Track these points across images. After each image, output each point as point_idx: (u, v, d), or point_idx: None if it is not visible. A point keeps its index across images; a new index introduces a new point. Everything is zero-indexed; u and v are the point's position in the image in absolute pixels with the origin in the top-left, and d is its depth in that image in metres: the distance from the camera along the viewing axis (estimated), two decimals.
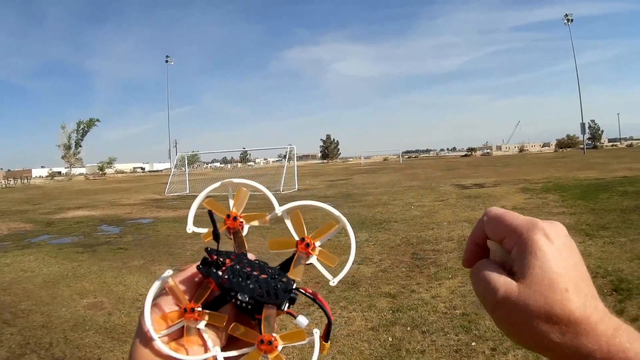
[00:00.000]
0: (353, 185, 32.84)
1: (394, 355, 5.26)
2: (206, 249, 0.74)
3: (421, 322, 6.10)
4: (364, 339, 5.71)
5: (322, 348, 0.74)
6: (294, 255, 0.75)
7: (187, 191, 34.72)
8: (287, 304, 0.72)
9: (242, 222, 0.79)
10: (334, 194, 26.64)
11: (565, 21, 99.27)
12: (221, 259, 0.73)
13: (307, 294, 0.75)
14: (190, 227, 0.80)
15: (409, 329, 5.91)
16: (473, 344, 5.41)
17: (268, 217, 0.80)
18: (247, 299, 0.70)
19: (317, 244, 0.76)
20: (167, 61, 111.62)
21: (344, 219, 0.76)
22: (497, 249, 0.71)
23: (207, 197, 0.82)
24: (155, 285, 0.74)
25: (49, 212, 24.20)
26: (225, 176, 45.14)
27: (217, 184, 0.84)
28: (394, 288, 7.48)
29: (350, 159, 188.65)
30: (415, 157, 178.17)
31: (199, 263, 0.74)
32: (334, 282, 0.75)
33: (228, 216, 0.78)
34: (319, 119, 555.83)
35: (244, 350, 0.72)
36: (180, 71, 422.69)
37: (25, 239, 15.20)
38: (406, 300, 6.92)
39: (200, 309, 0.71)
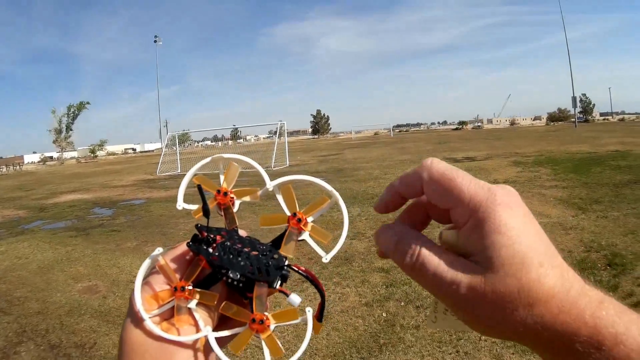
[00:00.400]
0: (344, 160, 32.89)
1: (389, 330, 5.31)
2: (196, 226, 0.74)
3: (415, 297, 6.15)
4: (357, 315, 5.76)
5: (315, 328, 0.73)
6: (285, 231, 0.74)
7: (179, 170, 34.73)
8: (279, 282, 0.71)
9: (232, 197, 0.78)
10: (326, 169, 26.71)
11: None
12: (212, 236, 0.72)
13: (299, 271, 0.74)
14: (181, 204, 0.80)
15: (402, 304, 5.96)
16: None
17: (259, 193, 0.79)
18: (238, 276, 0.69)
19: (310, 219, 0.75)
20: (155, 41, 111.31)
21: (337, 194, 0.75)
22: (453, 240, 0.60)
23: (196, 173, 0.81)
24: (145, 264, 0.73)
25: (42, 197, 24.13)
26: (216, 154, 44.89)
27: (207, 160, 0.83)
28: (387, 263, 7.42)
29: (341, 134, 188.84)
30: (406, 131, 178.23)
31: (189, 240, 0.73)
32: (326, 258, 0.73)
33: (218, 192, 0.78)
34: (309, 94, 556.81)
35: (236, 330, 0.72)
36: (168, 51, 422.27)
37: (19, 225, 15.16)
38: (399, 275, 6.91)
39: (191, 287, 0.70)
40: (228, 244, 0.72)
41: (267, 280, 0.69)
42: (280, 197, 0.77)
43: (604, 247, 7.48)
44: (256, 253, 0.72)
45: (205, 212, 0.75)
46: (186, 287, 0.69)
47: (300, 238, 0.74)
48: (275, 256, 0.72)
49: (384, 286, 6.56)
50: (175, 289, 0.69)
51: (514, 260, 0.51)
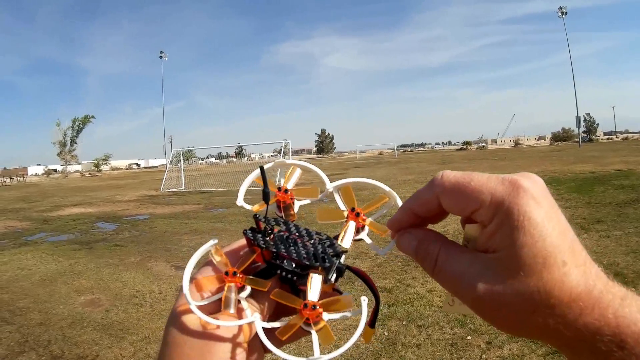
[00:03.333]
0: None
1: (390, 349, 5.29)
2: (254, 215, 0.74)
3: (417, 316, 6.14)
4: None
5: (366, 334, 0.71)
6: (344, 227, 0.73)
7: (183, 187, 34.68)
8: (334, 275, 0.70)
9: (292, 197, 0.78)
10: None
11: (560, 14, 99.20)
12: (269, 228, 0.73)
13: (354, 270, 0.73)
14: (240, 201, 0.81)
15: (404, 323, 5.94)
16: (468, 337, 5.43)
17: (319, 194, 0.79)
18: (292, 267, 0.69)
19: (368, 218, 0.74)
20: (161, 57, 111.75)
21: (395, 194, 0.75)
22: (476, 233, 0.57)
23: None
24: (199, 252, 0.72)
25: (46, 209, 24.15)
26: (221, 172, 45.31)
27: (270, 164, 0.81)
28: (389, 282, 7.51)
29: (346, 153, 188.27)
30: (410, 151, 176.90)
31: (246, 228, 0.73)
32: (383, 252, 0.72)
33: (279, 189, 0.77)
34: (313, 113, 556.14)
35: (287, 320, 0.70)
36: (172, 66, 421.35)
37: (22, 237, 15.17)
38: (402, 294, 6.95)
39: (242, 276, 0.70)
40: (284, 235, 0.72)
41: (323, 267, 0.69)
42: (338, 198, 0.77)
43: (606, 267, 7.34)
44: (313, 242, 0.72)
45: (265, 195, 0.76)
46: (238, 273, 0.70)
47: (358, 237, 0.73)
48: (334, 244, 0.71)
49: (386, 305, 6.54)
50: (227, 273, 0.70)
51: (536, 260, 0.50)
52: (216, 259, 0.72)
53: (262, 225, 0.73)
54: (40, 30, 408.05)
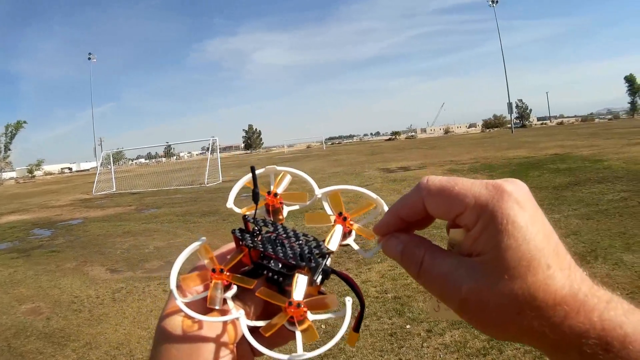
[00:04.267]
0: (276, 174, 32.27)
1: (329, 341, 5.29)
2: (243, 217, 0.74)
3: (354, 307, 6.13)
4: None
5: (351, 338, 0.71)
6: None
7: (114, 189, 34.36)
8: (320, 276, 0.71)
9: (282, 201, 0.78)
10: (259, 183, 26.33)
11: (490, 2, 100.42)
12: (257, 228, 0.73)
13: (339, 273, 0.74)
14: (230, 204, 0.81)
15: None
16: (407, 326, 5.51)
17: (308, 200, 0.79)
18: (279, 267, 0.70)
19: (355, 224, 0.75)
20: (89, 58, 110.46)
21: (382, 201, 0.75)
22: (460, 237, 0.58)
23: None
24: (187, 251, 0.73)
25: None
26: (150, 172, 44.73)
27: (262, 170, 0.81)
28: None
29: (274, 148, 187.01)
30: (338, 144, 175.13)
31: (234, 228, 0.74)
32: (370, 254, 0.73)
33: (269, 192, 0.78)
34: (241, 109, 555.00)
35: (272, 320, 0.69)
36: (102, 69, 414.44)
37: None
38: (336, 286, 6.97)
39: (229, 273, 0.70)
40: (272, 236, 0.73)
41: (309, 267, 0.70)
42: (326, 204, 0.78)
43: None
44: (300, 243, 0.72)
45: (255, 196, 0.77)
46: (225, 271, 0.70)
47: (345, 242, 0.74)
48: (320, 245, 0.72)
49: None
50: (214, 270, 0.70)
51: (520, 263, 0.50)
52: (204, 258, 0.73)
53: (251, 227, 0.74)
54: None
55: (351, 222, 0.75)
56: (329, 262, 0.74)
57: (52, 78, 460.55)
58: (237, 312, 0.68)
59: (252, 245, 0.71)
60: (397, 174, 22.73)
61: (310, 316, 0.69)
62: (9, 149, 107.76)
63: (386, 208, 0.72)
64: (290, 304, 0.67)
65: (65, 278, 9.36)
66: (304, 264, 0.69)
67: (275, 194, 0.78)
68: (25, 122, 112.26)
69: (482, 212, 0.53)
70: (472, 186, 0.55)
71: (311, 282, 0.70)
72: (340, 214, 0.75)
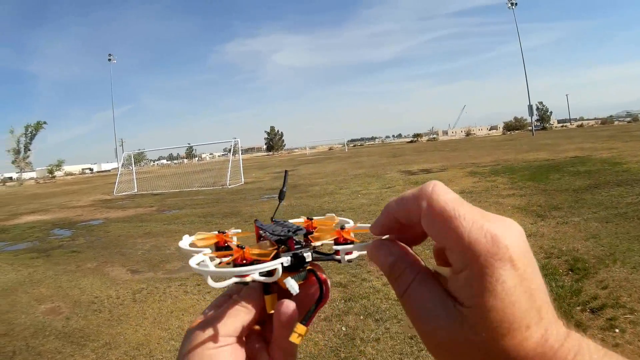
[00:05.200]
0: (299, 176, 32.65)
1: (349, 344, 5.32)
2: (255, 221, 0.81)
3: (374, 310, 6.17)
4: (317, 330, 5.75)
5: (296, 332, 0.67)
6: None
7: (135, 190, 34.45)
8: (291, 256, 0.70)
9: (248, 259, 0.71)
10: (281, 185, 26.16)
11: (509, 5, 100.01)
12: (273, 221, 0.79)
13: (319, 255, 0.74)
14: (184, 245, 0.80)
15: (362, 317, 5.96)
16: None
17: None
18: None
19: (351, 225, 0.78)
20: (109, 60, 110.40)
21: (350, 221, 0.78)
22: (445, 273, 0.56)
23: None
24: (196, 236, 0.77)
25: (2, 218, 23.77)
26: (172, 173, 44.89)
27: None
28: (344, 277, 7.52)
29: (296, 150, 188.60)
30: (360, 146, 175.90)
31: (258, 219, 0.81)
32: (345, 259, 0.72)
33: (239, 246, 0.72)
34: (262, 110, 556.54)
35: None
36: (122, 69, 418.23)
37: None
38: (357, 289, 6.98)
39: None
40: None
41: (287, 237, 0.72)
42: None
43: (564, 253, 7.50)
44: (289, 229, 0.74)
45: (281, 194, 0.85)
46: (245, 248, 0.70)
47: (351, 256, 0.73)
48: (301, 229, 0.75)
49: (343, 300, 6.57)
50: (238, 246, 0.70)
51: (502, 325, 0.49)
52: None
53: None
54: None
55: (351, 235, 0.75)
56: (308, 256, 0.72)
57: (70, 78, 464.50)
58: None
59: (262, 228, 0.78)
60: (419, 177, 22.60)
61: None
62: (29, 149, 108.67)
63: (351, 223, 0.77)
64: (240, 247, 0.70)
65: (86, 278, 9.36)
66: (289, 234, 0.72)
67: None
68: (45, 122, 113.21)
69: (473, 262, 0.50)
70: (472, 228, 0.51)
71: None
72: (342, 227, 0.76)
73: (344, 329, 5.67)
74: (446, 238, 0.53)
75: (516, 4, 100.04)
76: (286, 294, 0.69)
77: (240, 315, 0.70)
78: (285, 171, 0.85)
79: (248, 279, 0.67)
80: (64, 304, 7.88)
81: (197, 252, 0.73)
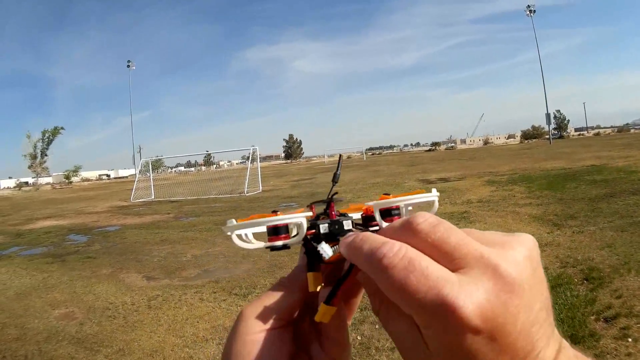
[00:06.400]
0: (317, 184, 32.78)
1: (364, 353, 5.28)
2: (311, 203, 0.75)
3: None
4: None
5: (319, 312, 0.61)
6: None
7: (153, 197, 34.48)
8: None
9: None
10: (299, 193, 26.64)
11: (528, 12, 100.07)
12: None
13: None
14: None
15: (377, 327, 5.88)
16: None
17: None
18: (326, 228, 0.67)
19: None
20: (128, 66, 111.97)
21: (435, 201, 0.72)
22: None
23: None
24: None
25: (18, 223, 23.96)
26: (190, 180, 45.12)
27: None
28: None
29: (314, 158, 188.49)
30: (379, 154, 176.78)
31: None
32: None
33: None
34: (281, 118, 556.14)
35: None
36: (140, 75, 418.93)
37: None
38: None
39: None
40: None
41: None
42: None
43: (580, 262, 7.47)
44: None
45: (335, 176, 0.78)
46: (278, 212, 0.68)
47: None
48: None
49: (358, 309, 6.42)
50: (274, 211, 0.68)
51: None
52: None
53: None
54: (7, 43, 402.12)
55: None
56: (348, 224, 0.69)
57: (88, 83, 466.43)
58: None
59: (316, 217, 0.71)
60: (437, 185, 22.41)
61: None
62: (46, 155, 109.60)
63: (437, 206, 0.71)
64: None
65: (101, 284, 9.36)
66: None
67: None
68: (62, 128, 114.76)
69: (433, 327, 0.46)
70: (427, 294, 0.45)
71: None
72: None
73: (359, 337, 5.63)
74: (409, 303, 0.47)
75: (534, 11, 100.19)
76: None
77: (283, 298, 0.65)
78: (340, 155, 0.84)
79: (279, 243, 0.66)
80: (78, 310, 7.88)
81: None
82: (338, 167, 0.77)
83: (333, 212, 0.71)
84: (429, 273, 0.46)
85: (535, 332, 0.47)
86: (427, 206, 0.71)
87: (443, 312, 0.44)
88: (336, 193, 0.73)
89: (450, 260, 0.49)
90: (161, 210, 24.54)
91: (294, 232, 0.68)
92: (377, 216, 0.67)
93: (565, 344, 0.51)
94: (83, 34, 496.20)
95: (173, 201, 29.98)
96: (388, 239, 0.52)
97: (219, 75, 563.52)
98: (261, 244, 0.67)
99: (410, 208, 0.73)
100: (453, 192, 18.62)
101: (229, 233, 0.66)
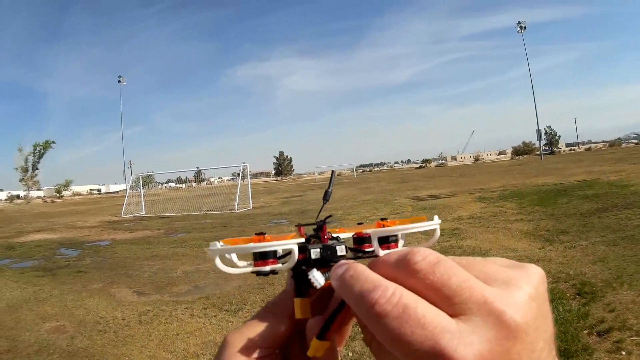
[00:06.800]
0: (307, 201, 32.85)
1: None
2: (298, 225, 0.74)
3: None
4: None
5: (312, 346, 0.59)
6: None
7: (143, 212, 34.53)
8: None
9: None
10: (289, 210, 26.66)
11: (519, 29, 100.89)
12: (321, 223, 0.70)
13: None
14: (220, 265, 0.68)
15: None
16: None
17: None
18: (317, 252, 0.64)
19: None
20: (119, 81, 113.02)
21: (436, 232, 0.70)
22: None
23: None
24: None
25: (9, 235, 23.88)
26: (180, 196, 45.13)
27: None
28: None
29: (305, 175, 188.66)
30: (369, 171, 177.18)
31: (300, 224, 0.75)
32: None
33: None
34: (271, 135, 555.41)
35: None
36: (131, 90, 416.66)
37: None
38: None
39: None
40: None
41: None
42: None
43: (572, 277, 7.47)
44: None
45: (326, 194, 0.77)
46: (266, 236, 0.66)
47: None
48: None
49: (350, 326, 6.45)
50: (257, 233, 0.67)
51: None
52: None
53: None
54: (0, 53, 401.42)
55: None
56: (341, 249, 0.66)
57: (80, 97, 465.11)
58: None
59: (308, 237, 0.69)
60: (427, 202, 22.65)
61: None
62: (37, 168, 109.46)
63: (438, 235, 0.70)
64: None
65: (91, 298, 9.33)
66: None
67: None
68: (53, 142, 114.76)
69: None
70: (422, 345, 0.43)
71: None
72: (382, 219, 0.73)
73: (350, 354, 5.62)
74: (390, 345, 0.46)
75: (525, 27, 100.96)
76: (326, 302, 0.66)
77: (269, 326, 0.62)
78: (332, 171, 0.80)
79: (266, 268, 0.64)
80: (69, 323, 7.84)
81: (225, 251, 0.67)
82: (330, 184, 0.77)
83: (325, 236, 0.69)
84: (426, 322, 0.44)
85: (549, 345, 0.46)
86: (426, 233, 0.71)
87: (448, 333, 0.43)
88: (330, 216, 0.72)
89: (450, 304, 0.46)
90: (152, 225, 24.50)
91: (280, 253, 0.66)
92: (375, 244, 0.64)
93: None
94: (77, 48, 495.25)
95: (164, 217, 29.97)
96: (381, 281, 0.49)
97: (211, 92, 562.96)
98: (248, 269, 0.65)
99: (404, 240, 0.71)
100: (444, 208, 18.72)
101: (212, 257, 0.65)
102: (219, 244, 0.66)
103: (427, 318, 0.44)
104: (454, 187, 31.64)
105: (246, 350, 0.58)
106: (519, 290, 0.47)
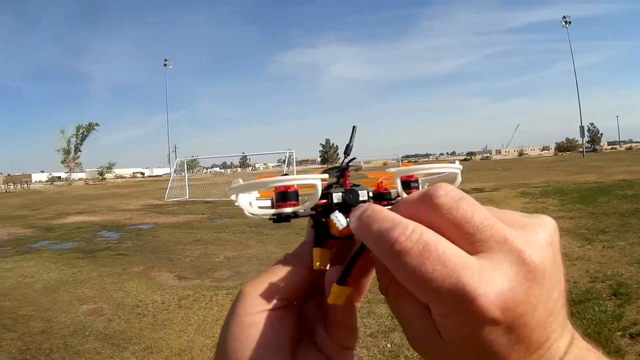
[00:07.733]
0: None
1: None
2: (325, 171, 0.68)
3: None
4: (362, 346, 5.65)
5: (333, 293, 0.56)
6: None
7: (187, 197, 34.50)
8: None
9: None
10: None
11: (563, 23, 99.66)
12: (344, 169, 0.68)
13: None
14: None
15: None
16: None
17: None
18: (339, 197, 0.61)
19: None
20: (165, 65, 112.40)
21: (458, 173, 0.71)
22: None
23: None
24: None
25: (49, 217, 24.20)
26: (225, 181, 45.22)
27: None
28: None
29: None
30: (415, 162, 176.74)
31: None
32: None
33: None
34: (317, 122, 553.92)
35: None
36: (176, 74, 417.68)
37: (25, 244, 15.19)
38: None
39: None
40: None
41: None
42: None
43: (609, 277, 7.39)
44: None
45: (347, 148, 0.72)
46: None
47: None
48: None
49: (390, 317, 6.40)
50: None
51: None
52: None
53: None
54: (44, 36, 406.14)
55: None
56: (364, 194, 0.64)
57: (124, 81, 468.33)
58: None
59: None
60: (471, 195, 22.08)
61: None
62: (79, 150, 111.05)
63: (459, 180, 0.70)
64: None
65: (131, 282, 9.38)
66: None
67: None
68: (97, 124, 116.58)
69: (461, 313, 0.43)
70: (445, 281, 0.42)
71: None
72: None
73: (389, 345, 5.57)
74: (427, 293, 0.44)
75: (570, 22, 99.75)
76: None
77: (288, 275, 0.59)
78: (354, 126, 0.74)
79: (287, 209, 0.60)
80: (106, 306, 7.88)
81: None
82: (351, 139, 0.73)
83: (347, 182, 0.67)
84: (447, 259, 0.43)
85: (551, 322, 0.45)
86: (447, 180, 0.71)
87: (462, 302, 0.42)
88: (354, 158, 0.68)
89: (472, 242, 0.46)
90: (195, 210, 24.55)
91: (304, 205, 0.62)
92: (399, 184, 0.63)
93: (577, 335, 0.49)
94: (120, 30, 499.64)
95: (207, 202, 29.92)
96: (400, 219, 0.48)
97: (256, 77, 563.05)
98: (269, 211, 0.61)
99: (427, 185, 0.69)
100: (487, 202, 17.87)
101: (232, 197, 0.64)
102: (241, 180, 0.63)
103: (448, 255, 0.43)
104: (497, 180, 31.56)
105: (261, 298, 0.57)
106: (536, 234, 0.48)
